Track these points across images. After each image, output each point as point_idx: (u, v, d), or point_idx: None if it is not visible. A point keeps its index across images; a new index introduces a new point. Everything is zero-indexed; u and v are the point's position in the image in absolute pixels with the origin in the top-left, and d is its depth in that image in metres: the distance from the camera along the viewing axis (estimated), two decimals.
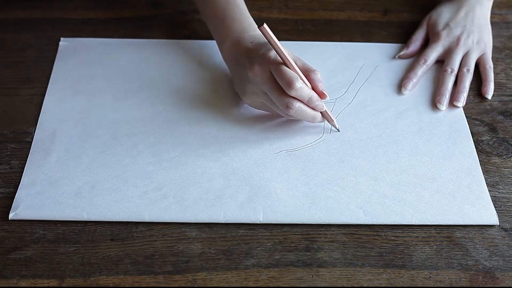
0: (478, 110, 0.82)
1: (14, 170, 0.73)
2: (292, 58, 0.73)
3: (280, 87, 0.72)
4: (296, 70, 0.72)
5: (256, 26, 0.79)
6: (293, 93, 0.71)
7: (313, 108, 0.74)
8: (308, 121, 0.76)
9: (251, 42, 0.76)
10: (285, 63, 0.72)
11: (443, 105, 0.81)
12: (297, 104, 0.72)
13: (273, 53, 0.73)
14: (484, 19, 0.89)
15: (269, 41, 0.71)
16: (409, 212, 0.70)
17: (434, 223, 0.69)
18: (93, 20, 0.93)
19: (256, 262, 0.66)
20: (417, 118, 0.80)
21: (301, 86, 0.71)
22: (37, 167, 0.73)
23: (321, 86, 0.74)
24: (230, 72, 0.81)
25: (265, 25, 0.69)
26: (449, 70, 0.84)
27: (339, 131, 0.77)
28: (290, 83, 0.70)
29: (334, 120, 0.77)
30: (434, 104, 0.82)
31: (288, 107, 0.72)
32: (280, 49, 0.71)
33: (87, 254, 0.66)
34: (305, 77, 0.74)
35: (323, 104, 0.74)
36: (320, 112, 0.75)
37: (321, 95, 0.74)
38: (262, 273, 0.65)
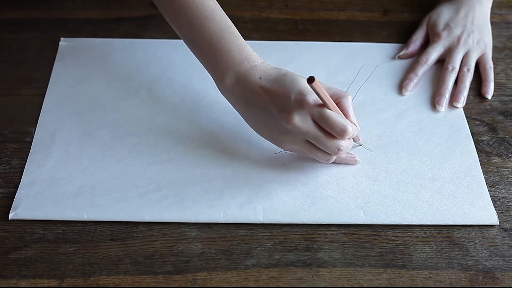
0: (478, 110, 0.82)
1: (14, 170, 0.73)
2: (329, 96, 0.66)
3: (327, 132, 0.66)
4: (338, 110, 0.67)
5: (255, 56, 0.71)
6: (346, 138, 0.67)
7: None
8: (342, 163, 0.73)
9: (260, 78, 0.69)
10: (326, 105, 0.66)
11: (442, 106, 0.81)
12: (345, 144, 0.67)
13: (311, 98, 0.65)
14: (484, 19, 0.89)
15: (318, 94, 0.64)
16: (409, 212, 0.70)
17: (434, 223, 0.69)
18: (93, 20, 0.93)
19: (256, 262, 0.66)
20: (417, 118, 0.80)
21: (353, 129, 0.66)
22: (37, 167, 0.73)
23: (351, 114, 0.69)
24: (235, 108, 0.73)
25: (316, 80, 0.62)
26: (450, 68, 0.84)
27: (371, 151, 0.75)
28: (343, 131, 0.65)
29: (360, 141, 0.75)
30: (434, 104, 0.82)
31: (339, 150, 0.67)
32: (324, 95, 0.65)
33: (87, 254, 0.66)
34: (336, 103, 0.68)
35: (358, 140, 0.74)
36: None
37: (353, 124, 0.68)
38: (262, 273, 0.65)
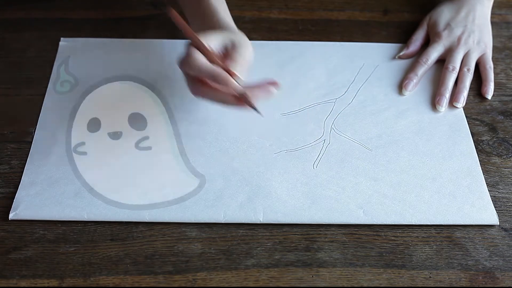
0: (478, 110, 0.82)
1: (14, 170, 0.73)
2: (213, 47, 0.69)
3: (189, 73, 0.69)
4: (204, 48, 0.68)
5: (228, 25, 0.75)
6: (190, 70, 0.67)
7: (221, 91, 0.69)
8: (223, 103, 0.70)
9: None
10: (198, 47, 0.68)
11: (442, 106, 0.81)
12: (200, 88, 0.69)
13: (188, 40, 0.69)
14: (484, 19, 0.89)
15: (178, 24, 0.68)
16: (409, 212, 0.70)
17: (434, 223, 0.69)
18: (93, 20, 0.93)
19: (256, 262, 0.66)
20: (417, 118, 0.80)
21: (199, 62, 0.66)
22: (37, 167, 0.73)
23: (234, 67, 0.68)
24: None
25: (173, 10, 0.67)
26: (451, 67, 0.84)
27: (262, 116, 0.71)
28: (187, 60, 0.67)
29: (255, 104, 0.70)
30: (434, 104, 0.82)
31: (194, 92, 0.70)
32: (185, 28, 0.68)
33: (87, 254, 0.66)
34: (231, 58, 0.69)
35: (237, 85, 0.67)
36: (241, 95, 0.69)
37: (232, 74, 0.67)
38: (262, 273, 0.65)
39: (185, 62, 0.68)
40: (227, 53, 0.71)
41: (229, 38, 0.71)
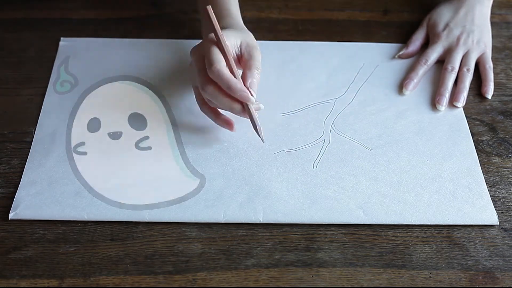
0: (478, 110, 0.82)
1: (14, 170, 0.73)
2: (230, 46, 0.71)
3: (205, 69, 0.70)
4: (228, 55, 0.70)
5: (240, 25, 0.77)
6: (210, 74, 0.69)
7: (234, 99, 0.70)
8: (226, 110, 0.72)
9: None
10: (218, 46, 0.70)
11: (442, 105, 0.81)
12: (211, 88, 0.70)
13: (212, 35, 0.71)
14: (484, 19, 0.89)
15: (212, 21, 0.70)
16: (409, 212, 0.70)
17: (434, 223, 0.69)
18: (93, 20, 0.93)
19: (256, 262, 0.66)
20: (417, 118, 0.80)
21: (220, 70, 0.68)
22: (37, 167, 0.73)
23: (250, 83, 0.70)
24: None
25: (209, 7, 0.69)
26: (450, 68, 0.84)
27: (263, 142, 0.75)
28: (210, 63, 0.68)
29: (261, 129, 0.73)
30: (434, 104, 0.82)
31: (202, 88, 0.70)
32: (218, 32, 0.69)
33: (87, 254, 0.66)
34: (244, 70, 0.71)
35: (249, 96, 0.69)
36: (247, 110, 0.71)
37: (246, 89, 0.69)
38: (262, 273, 0.65)
39: (210, 68, 0.68)
40: (241, 54, 0.73)
41: (244, 38, 0.73)
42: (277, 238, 0.68)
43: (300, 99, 0.82)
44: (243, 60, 0.73)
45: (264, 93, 0.82)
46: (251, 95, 0.70)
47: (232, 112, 0.72)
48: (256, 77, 0.71)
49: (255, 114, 0.72)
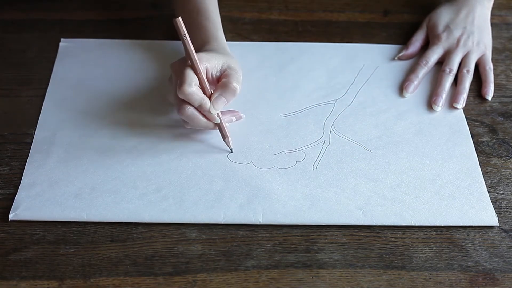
0: (478, 111, 0.82)
1: (14, 171, 0.73)
2: (211, 68, 0.72)
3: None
4: (200, 75, 0.71)
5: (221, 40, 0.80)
6: (181, 95, 0.70)
7: (206, 117, 0.72)
8: (202, 129, 0.75)
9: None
10: (192, 66, 0.71)
11: (438, 105, 0.81)
12: (190, 109, 0.71)
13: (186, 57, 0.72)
14: (484, 20, 0.89)
15: (181, 39, 0.69)
16: (409, 213, 0.70)
17: (434, 224, 0.69)
18: (93, 21, 0.93)
19: (256, 263, 0.66)
20: (417, 119, 0.80)
21: (191, 91, 0.69)
22: (37, 168, 0.73)
23: (216, 104, 0.72)
24: None
25: (179, 18, 0.68)
26: (447, 70, 0.84)
27: (231, 152, 0.75)
28: (181, 84, 0.69)
29: (229, 139, 0.74)
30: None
31: (180, 110, 0.71)
32: (190, 50, 0.70)
33: (87, 255, 0.66)
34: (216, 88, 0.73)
35: (215, 117, 0.72)
36: (217, 124, 0.74)
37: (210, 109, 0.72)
38: (262, 274, 0.65)
39: (180, 87, 0.69)
40: (222, 77, 0.74)
41: (226, 61, 0.74)
42: (277, 239, 0.68)
43: (300, 100, 0.82)
44: (224, 83, 0.73)
45: (264, 94, 0.82)
46: (215, 117, 0.72)
47: (206, 129, 0.75)
48: (225, 93, 0.72)
49: (225, 125, 0.74)
